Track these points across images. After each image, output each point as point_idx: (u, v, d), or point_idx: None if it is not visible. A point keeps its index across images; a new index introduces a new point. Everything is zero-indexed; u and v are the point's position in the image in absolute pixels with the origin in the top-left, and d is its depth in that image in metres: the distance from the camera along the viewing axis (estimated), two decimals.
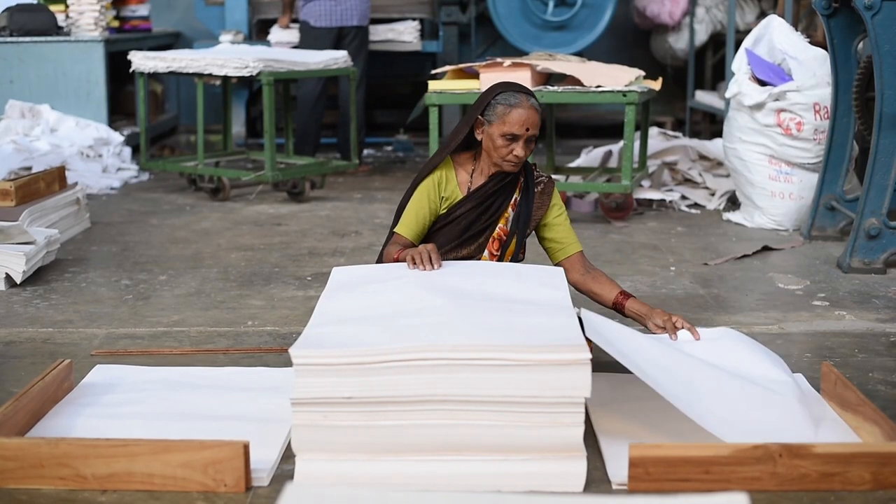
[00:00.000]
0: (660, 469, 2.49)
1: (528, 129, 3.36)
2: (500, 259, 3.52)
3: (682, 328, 3.34)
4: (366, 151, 8.61)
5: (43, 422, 2.89)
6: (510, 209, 3.52)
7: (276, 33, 8.35)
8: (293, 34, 8.27)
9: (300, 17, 7.70)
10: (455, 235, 3.49)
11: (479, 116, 3.43)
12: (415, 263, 3.16)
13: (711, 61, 9.47)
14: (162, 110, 9.47)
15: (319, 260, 4.97)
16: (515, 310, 2.80)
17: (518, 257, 3.57)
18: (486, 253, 3.53)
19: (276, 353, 3.58)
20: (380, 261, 3.55)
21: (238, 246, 5.28)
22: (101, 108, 7.76)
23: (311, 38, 7.60)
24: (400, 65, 9.24)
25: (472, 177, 3.51)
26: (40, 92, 7.70)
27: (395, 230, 3.52)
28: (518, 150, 3.38)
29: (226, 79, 6.90)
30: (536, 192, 3.55)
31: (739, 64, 5.85)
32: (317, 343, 2.56)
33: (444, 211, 3.50)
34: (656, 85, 6.05)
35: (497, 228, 3.52)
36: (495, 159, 3.43)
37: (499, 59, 5.80)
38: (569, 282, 3.37)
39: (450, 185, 3.50)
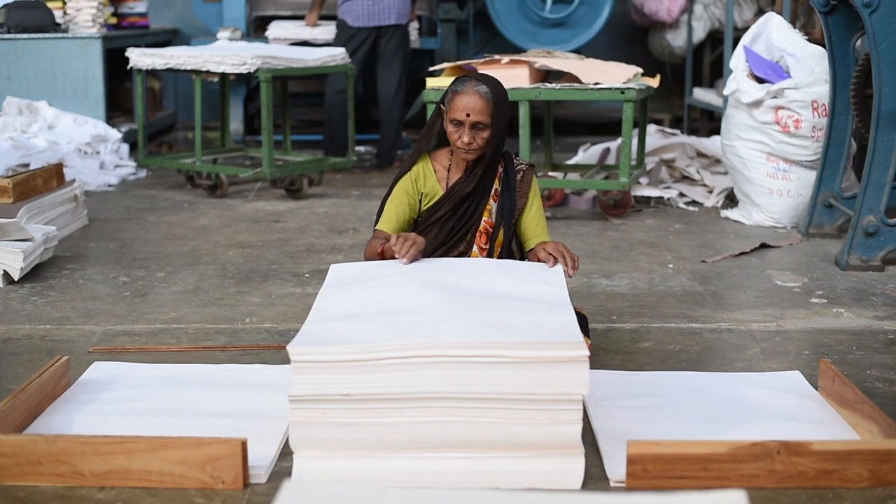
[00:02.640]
0: (658, 466, 2.49)
1: (468, 115, 3.35)
2: (490, 252, 3.49)
3: (564, 254, 3.30)
4: (364, 148, 8.61)
5: (40, 419, 2.88)
6: (492, 201, 3.51)
7: (273, 30, 8.34)
8: (291, 30, 8.26)
9: (339, 15, 7.67)
10: (442, 239, 3.49)
11: (441, 106, 3.45)
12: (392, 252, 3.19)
13: (709, 59, 9.46)
14: (160, 107, 9.46)
15: (317, 257, 4.97)
16: (513, 307, 2.79)
17: (510, 248, 3.54)
18: (474, 248, 3.51)
19: (273, 350, 3.58)
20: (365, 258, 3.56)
21: (236, 243, 5.27)
22: (98, 104, 7.75)
23: (347, 36, 7.55)
24: None
25: (448, 171, 3.52)
26: (38, 89, 7.70)
27: (376, 227, 3.53)
28: (464, 136, 3.36)
29: (224, 76, 6.89)
30: (517, 180, 3.55)
31: (737, 61, 5.85)
32: (314, 340, 2.56)
33: (427, 208, 3.50)
34: (654, 82, 6.04)
35: (482, 222, 3.51)
36: (453, 148, 3.44)
37: (496, 56, 5.80)
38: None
39: (428, 181, 3.51)
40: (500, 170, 3.54)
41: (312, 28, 8.23)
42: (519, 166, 3.56)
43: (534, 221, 3.55)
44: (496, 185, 3.52)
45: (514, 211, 3.51)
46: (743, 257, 4.97)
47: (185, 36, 9.69)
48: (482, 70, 5.68)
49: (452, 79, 5.78)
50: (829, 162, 5.37)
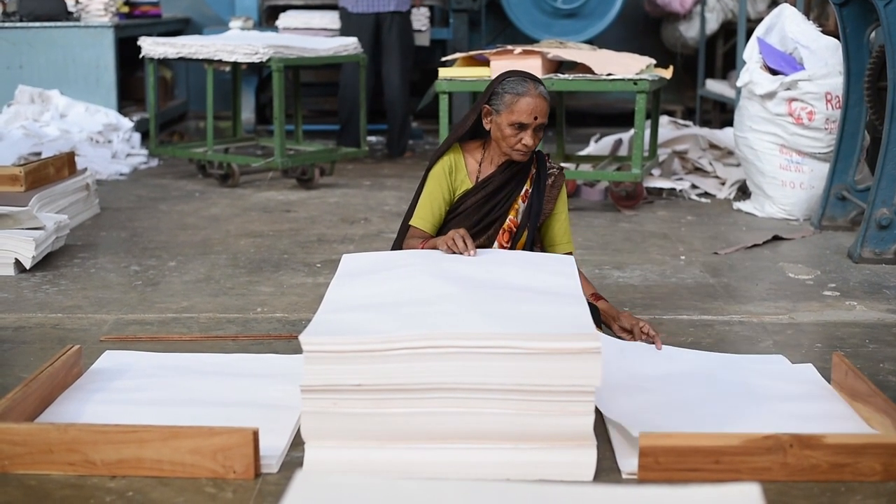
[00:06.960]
0: (670, 459, 2.48)
1: (535, 118, 3.35)
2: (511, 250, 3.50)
3: (649, 334, 3.37)
4: (375, 138, 8.60)
5: (52, 407, 2.89)
6: (521, 201, 3.51)
7: (283, 19, 8.33)
8: (303, 20, 8.25)
9: (339, 3, 7.68)
10: (466, 227, 3.48)
11: (487, 105, 3.42)
12: (451, 251, 3.17)
13: (722, 50, 9.43)
14: (171, 96, 9.46)
15: (328, 247, 4.96)
16: (526, 298, 2.79)
17: (531, 250, 3.54)
18: (496, 244, 3.51)
19: (285, 340, 3.58)
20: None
21: (247, 232, 5.27)
22: (110, 93, 7.76)
23: (349, 24, 7.57)
24: None
25: (480, 165, 3.50)
26: (50, 77, 7.70)
27: (410, 223, 3.51)
28: (527, 139, 3.37)
29: (235, 65, 6.89)
30: (548, 184, 3.54)
31: (751, 53, 5.83)
32: (326, 330, 2.56)
33: (455, 200, 3.49)
34: (667, 73, 6.03)
35: (507, 220, 3.51)
36: (504, 149, 3.42)
37: (509, 47, 5.78)
38: None
39: (459, 173, 3.49)
40: (533, 171, 3.53)
41: (321, 17, 8.22)
42: (551, 170, 3.56)
43: (562, 230, 3.60)
44: (527, 186, 3.51)
45: (540, 214, 3.52)
46: (755, 249, 4.96)
47: (197, 25, 9.68)
48: (495, 61, 5.67)
49: (464, 69, 5.82)
50: (842, 154, 5.35)
